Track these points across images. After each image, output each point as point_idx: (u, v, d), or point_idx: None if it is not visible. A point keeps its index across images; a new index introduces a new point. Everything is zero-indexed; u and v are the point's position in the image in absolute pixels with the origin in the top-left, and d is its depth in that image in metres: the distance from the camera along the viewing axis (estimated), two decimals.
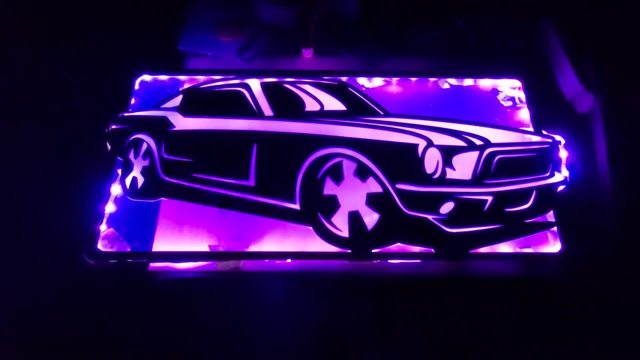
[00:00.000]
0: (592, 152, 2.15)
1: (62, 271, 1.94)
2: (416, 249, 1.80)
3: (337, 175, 1.74)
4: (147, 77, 2.39)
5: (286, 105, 2.04)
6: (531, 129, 2.14)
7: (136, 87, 2.35)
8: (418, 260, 1.83)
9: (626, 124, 2.13)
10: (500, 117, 2.24)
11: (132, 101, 2.31)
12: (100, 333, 1.88)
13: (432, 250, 1.78)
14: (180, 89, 2.32)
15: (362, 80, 2.37)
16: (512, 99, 2.30)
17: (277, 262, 1.86)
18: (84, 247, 1.88)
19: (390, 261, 1.84)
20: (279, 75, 2.25)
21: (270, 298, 1.89)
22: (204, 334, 1.89)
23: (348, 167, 1.72)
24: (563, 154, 1.99)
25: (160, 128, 2.14)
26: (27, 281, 1.97)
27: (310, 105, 2.09)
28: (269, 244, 1.88)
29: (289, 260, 1.85)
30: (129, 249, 1.91)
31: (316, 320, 1.86)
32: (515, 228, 1.83)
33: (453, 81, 2.35)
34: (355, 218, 1.73)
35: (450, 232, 1.66)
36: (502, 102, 2.30)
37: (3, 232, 2.04)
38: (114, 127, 2.25)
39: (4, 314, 1.92)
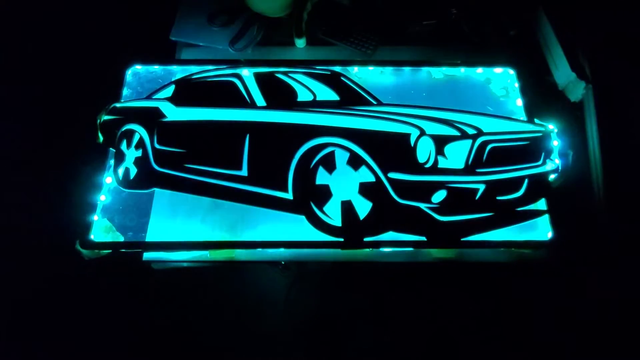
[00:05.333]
0: (584, 139, 2.16)
1: (55, 262, 1.94)
2: (408, 237, 1.80)
3: (329, 164, 1.74)
4: (138, 68, 2.37)
5: (279, 95, 2.03)
6: (524, 118, 2.14)
7: (128, 77, 2.33)
8: (410, 249, 1.85)
9: (618, 112, 2.14)
10: (493, 106, 2.23)
11: (124, 92, 2.29)
12: (93, 323, 1.89)
13: (424, 238, 1.78)
14: (172, 80, 2.30)
15: (355, 70, 2.36)
16: (505, 87, 2.29)
17: (270, 251, 1.87)
18: (78, 237, 1.88)
19: (382, 249, 1.85)
20: (271, 65, 2.24)
21: (263, 287, 1.90)
22: (198, 324, 1.90)
23: (341, 157, 1.72)
24: (555, 142, 2.00)
25: (152, 118, 2.13)
26: (20, 272, 1.98)
27: (303, 95, 2.08)
28: (261, 233, 1.88)
29: (282, 250, 1.86)
30: (122, 239, 1.91)
31: (310, 308, 1.88)
32: (506, 216, 1.84)
33: (446, 70, 2.35)
34: (347, 207, 1.73)
35: (442, 221, 1.67)
36: (495, 91, 2.30)
37: None
38: (105, 117, 2.23)
39: None
